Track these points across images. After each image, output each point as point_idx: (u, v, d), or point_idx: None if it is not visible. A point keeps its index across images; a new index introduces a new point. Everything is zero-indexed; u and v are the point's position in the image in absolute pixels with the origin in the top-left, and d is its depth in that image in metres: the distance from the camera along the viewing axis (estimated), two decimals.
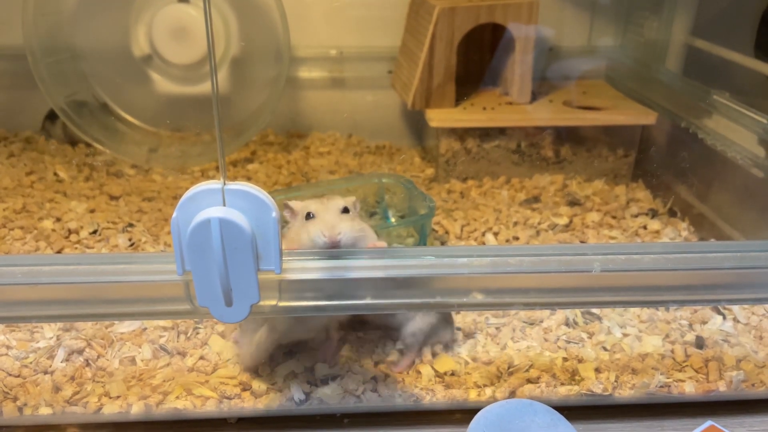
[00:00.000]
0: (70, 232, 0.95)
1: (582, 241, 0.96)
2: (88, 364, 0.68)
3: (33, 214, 1.00)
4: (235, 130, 1.17)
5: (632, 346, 0.73)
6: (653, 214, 1.04)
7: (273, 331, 0.66)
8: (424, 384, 0.68)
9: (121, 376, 0.67)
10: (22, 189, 1.08)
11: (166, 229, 0.97)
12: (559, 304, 0.65)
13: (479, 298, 0.56)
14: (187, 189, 0.48)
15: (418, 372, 0.69)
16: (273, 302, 0.54)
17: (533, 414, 0.58)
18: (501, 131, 1.13)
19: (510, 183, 1.14)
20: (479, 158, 1.14)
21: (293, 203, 0.66)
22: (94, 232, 0.96)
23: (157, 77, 1.18)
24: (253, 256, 0.49)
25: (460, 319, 0.76)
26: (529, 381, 0.68)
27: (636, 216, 1.04)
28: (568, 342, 0.74)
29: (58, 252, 0.91)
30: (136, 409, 0.64)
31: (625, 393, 0.68)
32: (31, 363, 0.68)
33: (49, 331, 0.73)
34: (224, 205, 0.48)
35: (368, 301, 0.55)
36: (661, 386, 0.68)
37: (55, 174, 1.14)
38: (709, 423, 0.66)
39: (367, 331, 0.74)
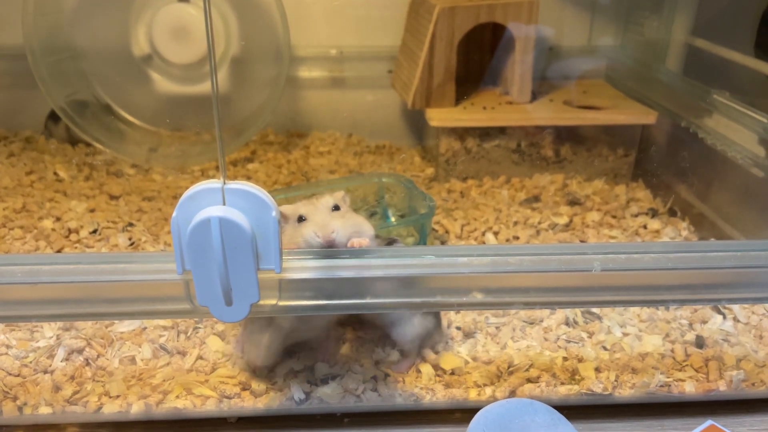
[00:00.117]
0: (70, 231, 0.95)
1: (582, 241, 0.96)
2: (88, 364, 0.68)
3: (33, 214, 1.00)
4: (235, 130, 1.17)
5: (632, 345, 0.73)
6: (653, 213, 1.04)
7: (279, 330, 0.66)
8: (424, 383, 0.68)
9: (121, 376, 0.67)
10: (22, 188, 1.08)
11: (166, 228, 0.97)
12: (559, 303, 0.65)
13: (479, 297, 0.56)
14: (187, 188, 0.48)
15: (419, 371, 0.69)
16: (273, 301, 0.54)
17: (533, 413, 0.58)
18: (501, 131, 1.13)
19: (510, 182, 1.14)
20: (479, 158, 1.14)
21: (283, 208, 0.65)
22: (94, 231, 0.96)
23: (157, 77, 1.18)
24: (253, 255, 0.49)
25: (460, 318, 0.76)
26: (529, 380, 0.68)
27: (636, 215, 1.04)
28: (568, 341, 0.74)
29: (58, 251, 0.91)
30: (136, 409, 0.64)
31: (625, 392, 0.68)
32: (31, 362, 0.68)
33: (49, 330, 0.73)
34: (224, 204, 0.48)
35: (368, 300, 0.55)
36: (661, 386, 0.68)
37: (55, 173, 1.14)
38: (709, 422, 0.66)
39: (367, 330, 0.74)
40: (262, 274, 0.50)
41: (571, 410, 0.62)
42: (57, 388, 0.66)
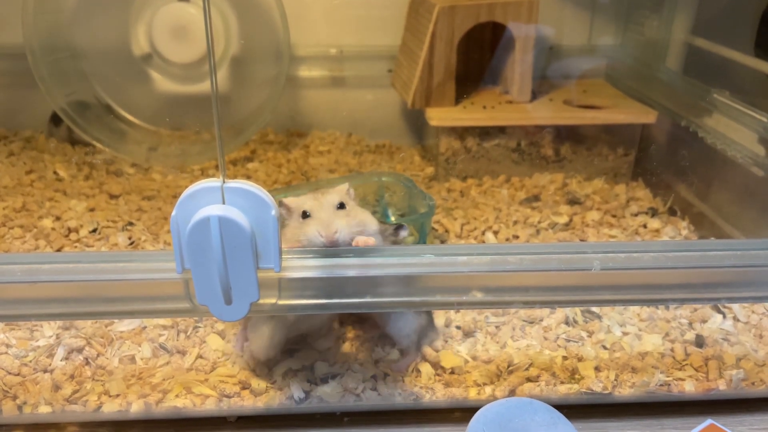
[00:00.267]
0: (69, 230, 0.95)
1: (582, 240, 0.96)
2: (87, 363, 0.68)
3: (33, 213, 1.00)
4: (234, 129, 1.17)
5: (632, 344, 0.73)
6: (653, 212, 1.04)
7: (282, 321, 0.66)
8: (423, 382, 0.68)
9: (121, 375, 0.67)
10: (22, 188, 1.08)
11: (165, 227, 0.97)
12: (558, 302, 0.65)
13: (479, 296, 0.56)
14: (186, 187, 0.48)
15: (418, 371, 0.69)
16: (272, 300, 0.54)
17: (533, 412, 0.58)
18: (501, 130, 1.13)
19: (510, 182, 1.14)
20: (479, 157, 1.14)
21: (288, 200, 0.65)
22: (94, 230, 0.96)
23: (157, 76, 1.18)
24: (253, 254, 0.49)
25: (460, 317, 0.76)
26: (528, 379, 0.68)
27: (636, 215, 1.04)
28: (568, 340, 0.74)
29: (58, 250, 0.91)
30: (136, 408, 0.64)
31: (625, 392, 0.68)
32: (30, 361, 0.68)
33: (49, 329, 0.73)
34: (224, 203, 0.48)
35: (368, 299, 0.55)
36: (661, 385, 0.68)
37: (55, 173, 1.14)
38: (709, 422, 0.66)
39: (367, 329, 0.74)
40: (262, 272, 0.50)
41: (570, 409, 0.62)
42: (57, 387, 0.66)
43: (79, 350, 0.70)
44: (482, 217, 1.02)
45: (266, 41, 1.14)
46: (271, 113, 1.13)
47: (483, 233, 0.98)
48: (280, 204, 0.65)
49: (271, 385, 0.67)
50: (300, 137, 1.32)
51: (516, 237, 0.97)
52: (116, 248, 0.92)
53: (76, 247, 0.93)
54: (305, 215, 0.62)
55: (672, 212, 1.05)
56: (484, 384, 0.68)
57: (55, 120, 1.23)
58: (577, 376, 0.69)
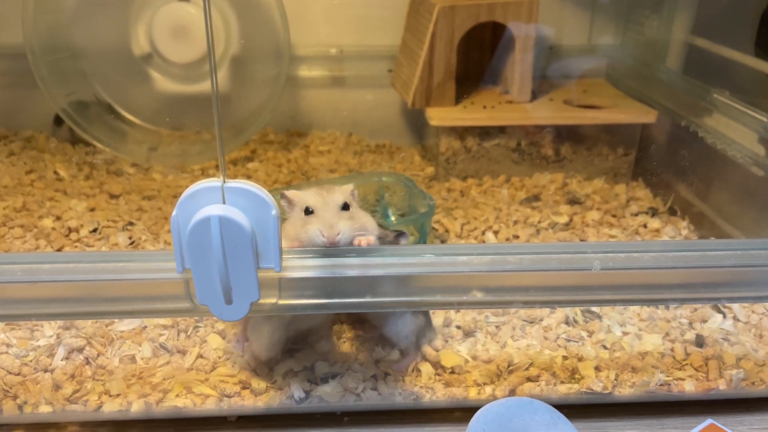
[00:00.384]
0: (70, 230, 0.95)
1: (582, 240, 0.96)
2: (88, 363, 0.69)
3: (33, 213, 1.00)
4: (235, 129, 1.17)
5: (632, 344, 0.73)
6: (653, 212, 1.04)
7: (282, 319, 0.66)
8: (424, 382, 0.68)
9: (121, 375, 0.67)
10: (22, 187, 1.08)
11: (166, 227, 0.97)
12: (559, 302, 0.65)
13: (479, 296, 0.56)
14: (187, 187, 0.48)
15: (418, 370, 0.69)
16: (273, 300, 0.54)
17: (533, 412, 0.58)
18: (501, 130, 1.13)
19: (510, 181, 1.14)
20: (479, 157, 1.14)
21: (290, 193, 0.63)
22: (94, 230, 0.96)
23: (157, 76, 1.18)
24: (253, 254, 0.49)
25: (460, 317, 0.76)
26: (528, 379, 0.68)
27: (636, 214, 1.04)
28: (568, 340, 0.74)
29: (58, 250, 0.91)
30: (136, 408, 0.64)
31: (625, 391, 0.68)
32: (31, 361, 0.68)
33: (49, 329, 0.73)
34: (224, 203, 0.48)
35: (368, 299, 0.55)
36: (661, 384, 0.68)
37: (55, 172, 1.14)
38: (709, 421, 0.66)
39: (367, 329, 0.74)
40: (262, 272, 0.50)
41: (570, 409, 0.62)
42: (57, 387, 0.66)
43: (80, 350, 0.70)
44: (482, 216, 1.02)
45: (266, 41, 1.14)
46: (271, 113, 1.13)
47: (483, 233, 0.98)
48: (282, 196, 0.64)
49: (272, 385, 0.67)
50: (300, 137, 1.33)
51: (516, 237, 0.97)
52: (116, 248, 0.92)
53: (76, 246, 0.93)
54: (308, 211, 0.61)
55: (672, 212, 1.05)
56: (485, 384, 0.68)
57: (58, 120, 1.24)
58: (577, 376, 0.69)
